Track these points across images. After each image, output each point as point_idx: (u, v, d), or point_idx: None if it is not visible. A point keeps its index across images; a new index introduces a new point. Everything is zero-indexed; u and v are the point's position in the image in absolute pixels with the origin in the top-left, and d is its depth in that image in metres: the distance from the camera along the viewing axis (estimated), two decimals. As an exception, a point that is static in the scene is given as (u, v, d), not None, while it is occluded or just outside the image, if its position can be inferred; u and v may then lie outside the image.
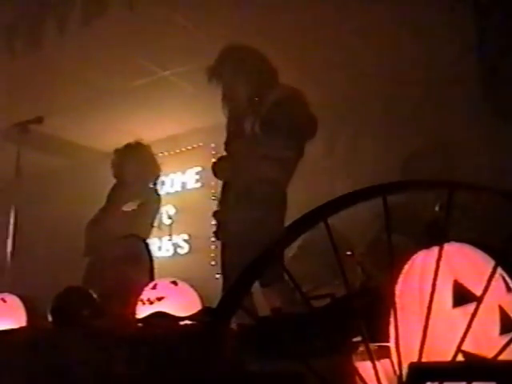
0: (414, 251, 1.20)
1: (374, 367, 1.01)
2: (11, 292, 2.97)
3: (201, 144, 5.65)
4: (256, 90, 3.30)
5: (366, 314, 1.07)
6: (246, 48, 3.38)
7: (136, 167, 4.29)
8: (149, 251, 3.55)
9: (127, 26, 4.08)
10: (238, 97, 3.34)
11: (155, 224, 4.40)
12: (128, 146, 4.41)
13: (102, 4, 3.83)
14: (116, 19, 3.96)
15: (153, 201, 4.34)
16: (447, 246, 1.09)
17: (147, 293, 2.61)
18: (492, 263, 1.07)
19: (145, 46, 4.36)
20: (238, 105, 3.34)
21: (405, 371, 0.99)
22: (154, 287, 2.64)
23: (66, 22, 3.95)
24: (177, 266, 5.35)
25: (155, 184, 4.46)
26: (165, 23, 4.06)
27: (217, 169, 3.40)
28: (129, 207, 4.11)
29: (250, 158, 3.21)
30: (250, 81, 3.31)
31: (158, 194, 4.44)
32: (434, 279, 1.04)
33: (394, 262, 1.10)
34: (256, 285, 1.04)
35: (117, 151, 4.45)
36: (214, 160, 3.54)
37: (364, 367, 1.07)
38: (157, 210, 4.39)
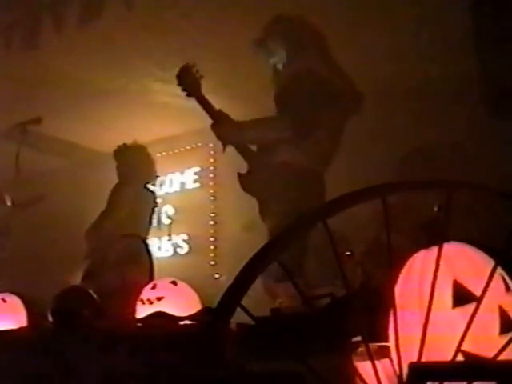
0: (414, 251, 1.20)
1: (374, 367, 1.02)
2: (11, 292, 2.97)
3: (199, 144, 5.65)
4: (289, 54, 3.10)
5: (366, 313, 1.07)
6: (293, 18, 3.20)
7: (132, 168, 4.31)
8: (148, 251, 3.55)
9: (125, 26, 4.08)
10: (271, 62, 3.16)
11: (154, 224, 4.41)
12: (124, 147, 4.43)
13: (99, 4, 3.83)
14: (114, 19, 3.95)
15: (150, 201, 4.36)
16: (447, 246, 1.09)
17: (147, 293, 2.62)
18: (492, 263, 1.07)
19: (143, 46, 4.35)
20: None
21: (405, 371, 0.99)
22: (154, 287, 2.65)
23: (64, 22, 3.94)
24: (176, 266, 5.35)
25: (153, 184, 4.48)
26: (163, 23, 4.06)
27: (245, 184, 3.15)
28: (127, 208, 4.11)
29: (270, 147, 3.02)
30: (285, 44, 3.12)
31: (153, 193, 4.46)
32: (434, 279, 1.04)
33: (393, 262, 1.10)
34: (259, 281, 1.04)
35: (115, 152, 4.47)
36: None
37: (364, 367, 1.07)
38: (154, 209, 4.41)
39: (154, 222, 5.02)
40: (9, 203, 4.26)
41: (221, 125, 3.11)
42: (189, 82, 3.16)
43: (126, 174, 4.31)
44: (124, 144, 4.47)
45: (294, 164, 2.94)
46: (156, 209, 4.54)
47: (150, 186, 4.47)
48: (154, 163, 4.51)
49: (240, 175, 3.14)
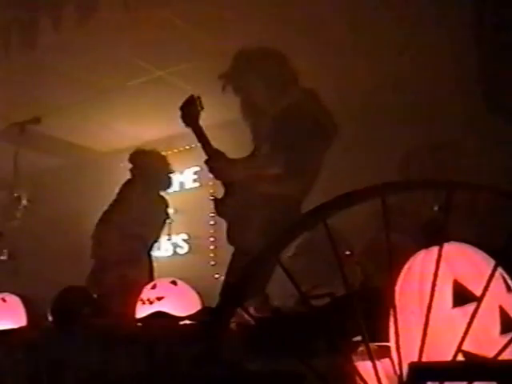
0: (414, 251, 1.20)
1: (374, 367, 1.01)
2: (11, 292, 2.97)
3: (198, 144, 5.65)
4: (273, 93, 3.13)
5: (366, 313, 1.07)
6: (261, 50, 3.21)
7: (148, 175, 4.23)
8: (148, 251, 3.55)
9: (123, 26, 4.08)
10: (255, 102, 3.18)
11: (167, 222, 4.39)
12: (142, 153, 4.35)
13: (97, 4, 3.82)
14: (112, 19, 3.95)
15: (162, 207, 4.31)
16: (447, 246, 1.09)
17: (147, 292, 2.61)
18: (492, 263, 1.07)
19: (141, 45, 4.35)
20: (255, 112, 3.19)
21: (405, 371, 0.99)
22: (154, 287, 2.64)
23: (62, 22, 3.93)
24: (176, 266, 5.35)
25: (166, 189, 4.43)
26: (160, 22, 4.06)
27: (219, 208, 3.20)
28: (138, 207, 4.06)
29: (254, 178, 3.05)
30: (268, 84, 3.14)
31: (166, 201, 4.42)
32: (434, 279, 1.04)
33: (393, 262, 1.10)
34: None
35: (132, 156, 4.36)
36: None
37: (364, 367, 1.07)
38: (165, 218, 4.37)
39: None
40: (24, 202, 4.25)
41: (215, 162, 3.14)
42: (189, 114, 3.17)
43: (141, 178, 4.25)
44: (142, 150, 4.40)
45: (275, 193, 2.98)
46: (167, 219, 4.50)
47: (163, 194, 4.43)
48: (170, 171, 4.44)
49: (216, 200, 3.20)
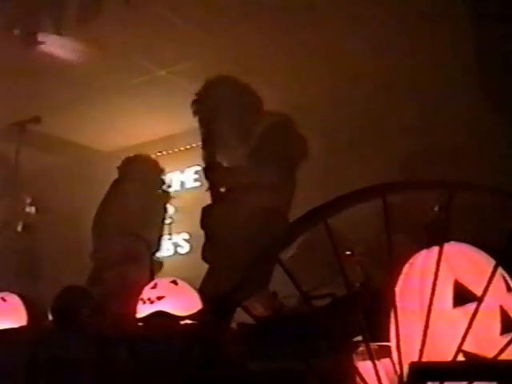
0: (415, 251, 1.20)
1: (375, 367, 1.02)
2: (11, 291, 2.97)
3: (199, 143, 5.64)
4: (240, 123, 3.33)
5: (367, 313, 1.07)
6: (227, 80, 3.37)
7: (139, 180, 4.27)
8: (149, 251, 3.55)
9: (124, 25, 4.07)
10: (221, 131, 3.37)
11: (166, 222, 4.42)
12: (130, 160, 4.39)
13: (98, 2, 3.82)
14: (113, 18, 3.95)
15: (160, 202, 4.35)
16: (447, 246, 1.09)
17: (147, 292, 2.61)
18: (492, 263, 1.07)
19: (142, 45, 4.34)
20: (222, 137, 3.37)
21: (405, 371, 0.99)
22: (154, 286, 2.64)
23: (63, 21, 3.94)
24: (177, 266, 5.35)
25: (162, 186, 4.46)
26: (161, 21, 4.05)
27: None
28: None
29: (242, 190, 3.23)
30: (233, 114, 3.33)
31: (168, 193, 4.45)
32: (435, 279, 1.04)
33: (394, 262, 1.10)
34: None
35: (121, 165, 4.40)
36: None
37: (364, 367, 1.07)
38: (165, 208, 4.40)
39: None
40: (28, 202, 4.25)
41: (213, 171, 3.35)
42: None
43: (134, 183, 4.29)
44: (129, 157, 4.43)
45: (262, 205, 3.13)
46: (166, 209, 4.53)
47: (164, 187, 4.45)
48: (162, 172, 4.46)
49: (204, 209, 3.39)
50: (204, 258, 3.28)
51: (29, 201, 4.27)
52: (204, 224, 3.36)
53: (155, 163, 4.45)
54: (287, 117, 3.33)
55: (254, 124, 3.31)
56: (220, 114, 3.35)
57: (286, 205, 3.19)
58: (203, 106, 3.38)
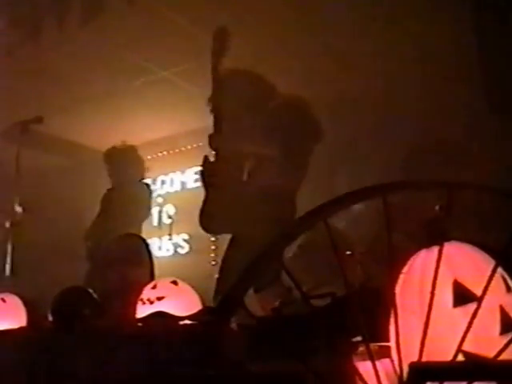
0: (414, 251, 1.20)
1: (375, 367, 1.01)
2: (11, 292, 2.97)
3: (200, 144, 5.63)
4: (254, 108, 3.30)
5: (367, 313, 1.07)
6: (238, 73, 3.39)
7: (122, 169, 4.35)
8: (149, 251, 3.55)
9: (126, 26, 4.08)
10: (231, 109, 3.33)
11: (154, 220, 4.44)
12: (112, 150, 4.48)
13: (101, 4, 3.83)
14: (115, 19, 3.95)
15: (144, 198, 4.39)
16: (447, 246, 1.09)
17: (147, 292, 2.61)
18: (492, 263, 1.07)
19: (144, 46, 4.35)
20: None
21: (405, 371, 0.99)
22: (154, 287, 2.64)
23: (65, 22, 3.94)
24: (177, 266, 5.35)
25: (142, 180, 4.50)
26: (163, 22, 4.06)
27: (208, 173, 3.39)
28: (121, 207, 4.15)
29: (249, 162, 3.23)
30: (247, 104, 3.32)
31: (148, 187, 4.49)
32: (435, 279, 1.04)
33: (394, 262, 1.10)
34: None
35: (104, 157, 4.51)
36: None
37: (364, 367, 1.07)
38: (149, 206, 4.43)
39: (155, 221, 5.03)
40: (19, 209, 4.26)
41: (218, 134, 3.24)
42: None
43: (118, 176, 4.35)
44: (112, 147, 4.49)
45: (270, 184, 3.10)
46: (153, 201, 4.58)
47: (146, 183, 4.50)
48: (142, 161, 4.55)
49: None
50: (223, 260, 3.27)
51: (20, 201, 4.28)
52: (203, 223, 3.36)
53: (133, 150, 4.48)
54: (302, 98, 3.31)
55: (266, 99, 3.28)
56: (232, 97, 3.32)
57: (294, 188, 3.16)
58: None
